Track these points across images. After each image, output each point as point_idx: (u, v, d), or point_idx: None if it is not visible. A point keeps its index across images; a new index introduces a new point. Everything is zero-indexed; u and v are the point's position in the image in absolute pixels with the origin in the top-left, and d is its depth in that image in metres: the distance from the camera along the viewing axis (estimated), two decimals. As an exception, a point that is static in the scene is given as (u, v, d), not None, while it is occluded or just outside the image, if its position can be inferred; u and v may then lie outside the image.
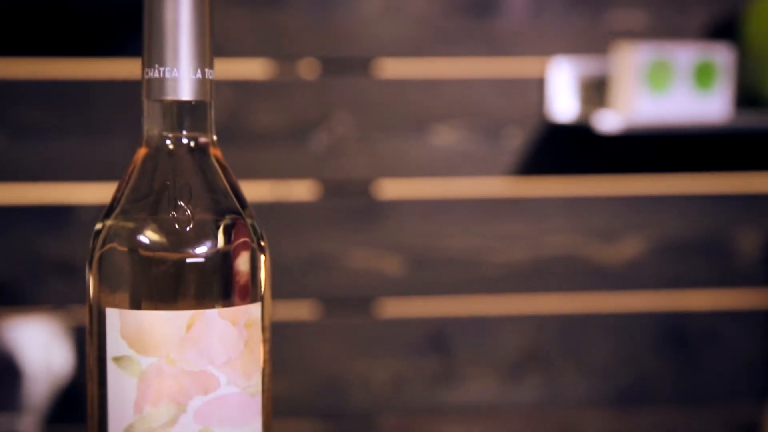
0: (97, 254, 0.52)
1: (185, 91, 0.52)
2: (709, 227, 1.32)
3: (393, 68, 1.29)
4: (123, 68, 1.24)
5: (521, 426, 1.32)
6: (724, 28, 1.31)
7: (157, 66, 0.51)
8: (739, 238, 1.32)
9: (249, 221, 0.53)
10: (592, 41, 1.30)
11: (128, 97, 1.21)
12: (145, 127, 0.53)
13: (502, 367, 1.32)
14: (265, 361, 0.54)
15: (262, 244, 0.53)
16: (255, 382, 0.53)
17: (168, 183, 0.51)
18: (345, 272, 1.29)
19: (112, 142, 1.24)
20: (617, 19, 1.31)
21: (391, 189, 1.30)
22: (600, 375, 1.33)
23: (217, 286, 0.51)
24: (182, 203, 0.51)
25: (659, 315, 1.33)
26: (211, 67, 0.52)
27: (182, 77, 0.51)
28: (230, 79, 1.26)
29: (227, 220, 0.52)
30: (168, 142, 0.52)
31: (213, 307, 0.51)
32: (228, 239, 0.52)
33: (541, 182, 1.31)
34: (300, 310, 1.29)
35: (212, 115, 0.53)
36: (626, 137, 1.29)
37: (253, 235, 0.53)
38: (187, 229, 0.50)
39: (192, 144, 0.53)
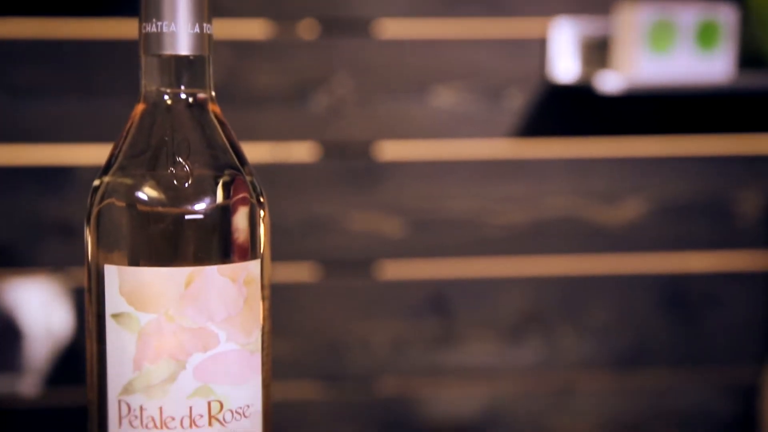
0: (95, 210, 0.52)
1: (183, 46, 0.51)
2: (710, 189, 1.32)
3: (393, 29, 1.28)
4: (123, 28, 1.23)
5: (521, 387, 1.32)
6: (727, -11, 1.30)
7: (154, 20, 0.51)
8: (740, 199, 1.32)
9: (248, 178, 0.53)
10: (594, 1, 1.29)
11: (128, 57, 1.20)
12: (143, 82, 0.52)
13: (502, 329, 1.32)
14: (264, 319, 0.53)
15: (262, 200, 0.53)
16: (254, 339, 0.52)
17: (166, 139, 0.51)
18: (345, 234, 1.29)
19: (112, 103, 1.23)
20: (619, -21, 1.30)
21: (392, 151, 1.29)
22: (600, 336, 1.33)
23: (216, 242, 0.51)
24: (181, 159, 0.50)
25: (659, 277, 1.33)
26: (209, 21, 0.52)
27: (180, 31, 0.51)
28: (229, 39, 1.25)
29: (226, 175, 0.52)
30: (166, 97, 0.52)
31: (212, 263, 0.50)
32: (227, 195, 0.51)
33: (542, 144, 1.31)
34: (300, 272, 1.29)
35: (210, 70, 0.52)
36: (628, 98, 1.29)
37: (252, 191, 0.53)
38: (186, 185, 0.50)
39: (190, 100, 0.52)
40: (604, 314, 1.33)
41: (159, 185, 0.50)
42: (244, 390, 0.52)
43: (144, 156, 0.51)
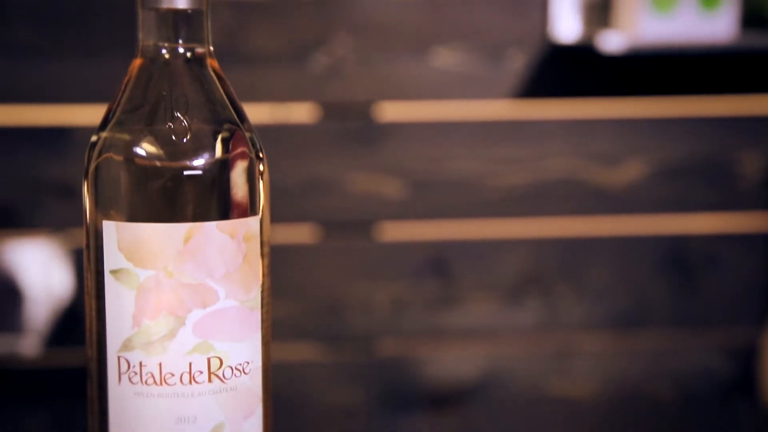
0: (92, 165, 0.51)
1: (181, -1, 0.51)
2: (712, 150, 1.31)
3: (393, -12, 1.27)
4: (119, -12, 1.22)
5: (520, 348, 1.32)
6: (730, -52, 1.29)
7: (152, -27, 0.50)
8: (742, 160, 1.32)
9: (248, 135, 0.52)
10: (596, -39, 1.28)
11: (128, 16, 1.19)
12: (141, 37, 0.52)
13: (502, 290, 1.32)
14: (264, 276, 0.53)
15: (261, 155, 0.53)
16: (254, 296, 0.52)
17: (164, 94, 0.50)
18: (345, 195, 1.29)
19: (112, 63, 1.22)
20: (622, -62, 1.28)
21: (392, 112, 1.29)
22: (599, 298, 1.33)
23: (215, 197, 0.51)
24: (179, 114, 0.50)
25: (660, 238, 1.33)
26: (207, -25, 0.51)
27: (178, -16, 0.50)
28: (228, -1, 1.24)
29: (225, 130, 0.51)
30: (164, 51, 0.51)
31: (211, 219, 0.50)
32: (226, 150, 0.51)
33: (542, 105, 1.30)
34: (300, 234, 1.29)
35: (209, 25, 0.52)
36: (630, 58, 1.28)
37: (251, 147, 0.52)
38: (184, 140, 0.50)
39: (188, 54, 0.52)
40: (604, 276, 1.33)
41: (157, 140, 0.50)
42: (244, 347, 0.52)
43: (142, 111, 0.51)
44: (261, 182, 0.53)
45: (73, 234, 1.25)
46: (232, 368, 0.52)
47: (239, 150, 0.51)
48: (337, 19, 1.26)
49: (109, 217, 0.50)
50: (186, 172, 0.50)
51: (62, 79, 1.23)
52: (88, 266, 0.52)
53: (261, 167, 0.53)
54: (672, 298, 1.34)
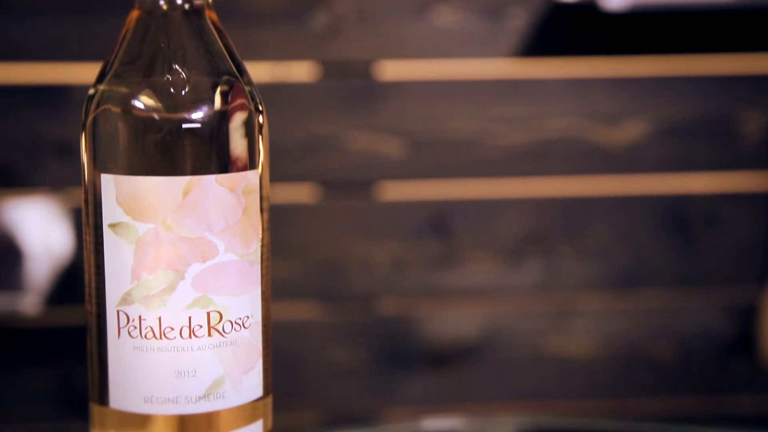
0: (90, 118, 0.51)
1: (179, -50, 0.50)
2: (714, 109, 1.31)
3: (394, -55, 1.26)
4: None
5: (520, 308, 1.33)
6: None
7: (149, -77, 0.50)
8: (745, 119, 1.31)
9: (247, 88, 0.52)
10: None
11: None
12: (138, -11, 0.51)
13: (503, 250, 1.32)
14: (264, 230, 0.53)
15: (260, 108, 0.52)
16: (254, 250, 0.52)
17: (162, 46, 0.50)
18: (345, 155, 1.28)
19: (111, 20, 1.21)
20: None
21: (392, 70, 1.28)
22: (600, 257, 1.33)
23: (214, 150, 0.50)
24: (177, 66, 0.49)
25: (661, 198, 1.33)
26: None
27: (175, -65, 0.50)
28: (227, -44, 1.23)
29: (224, 83, 0.51)
30: (162, 3, 0.51)
31: (210, 172, 0.50)
32: (225, 102, 0.50)
33: (544, 63, 1.29)
34: (299, 193, 1.29)
35: (207, -24, 0.51)
36: (632, 16, 1.27)
37: (250, 99, 0.52)
38: (183, 92, 0.49)
39: (186, 6, 0.51)
40: (604, 235, 1.33)
41: (155, 92, 0.50)
42: (244, 301, 0.52)
43: (139, 63, 0.50)
44: (260, 136, 0.52)
45: (72, 193, 1.24)
46: (231, 322, 0.51)
47: (238, 102, 0.51)
48: (337, -23, 1.25)
49: (107, 171, 0.50)
50: (184, 125, 0.49)
51: (61, 36, 1.22)
52: (87, 220, 0.52)
53: (260, 120, 0.52)
54: (672, 258, 1.34)
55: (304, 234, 1.30)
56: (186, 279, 0.50)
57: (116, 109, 0.50)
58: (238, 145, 0.51)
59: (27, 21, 1.21)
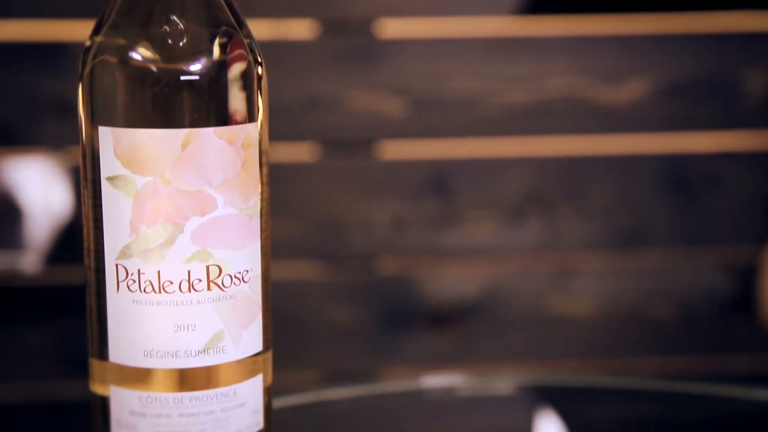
0: (87, 70, 0.50)
1: None
2: (716, 68, 1.30)
3: None
4: None
5: (520, 267, 1.32)
6: None
7: None
8: (747, 78, 1.30)
9: (246, 40, 0.51)
10: None
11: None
12: (136, -62, 0.50)
13: (503, 209, 1.31)
14: (263, 184, 0.53)
15: (260, 60, 0.52)
16: (253, 204, 0.52)
17: (160, -4, 0.49)
18: (345, 113, 1.28)
19: (106, -22, 1.20)
20: None
21: (392, 28, 1.27)
22: (600, 217, 1.33)
23: (213, 102, 0.50)
24: (175, 17, 0.49)
25: (662, 157, 1.32)
26: None
27: None
28: None
29: (222, 34, 0.50)
30: (159, -47, 0.50)
31: (209, 125, 0.49)
32: (223, 52, 0.50)
33: (545, 21, 1.28)
34: (299, 152, 1.28)
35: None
36: (634, -26, 1.26)
37: (249, 51, 0.51)
38: (181, 43, 0.49)
39: (184, -44, 0.50)
40: (605, 195, 1.32)
41: (153, 44, 0.49)
42: (243, 255, 0.52)
43: (137, 14, 0.50)
44: (260, 88, 0.52)
45: (71, 151, 1.24)
46: (231, 276, 0.51)
47: (237, 53, 0.50)
48: (337, -67, 1.24)
49: (105, 123, 0.50)
50: (182, 77, 0.49)
51: (58, -6, 1.21)
52: (84, 174, 0.52)
53: (260, 71, 0.52)
54: (673, 217, 1.33)
55: (303, 193, 1.29)
56: (185, 233, 0.50)
57: (113, 60, 0.49)
58: (236, 97, 0.50)
59: (24, -23, 1.20)
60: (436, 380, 1.01)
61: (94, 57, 0.50)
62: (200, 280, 0.50)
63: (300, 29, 1.26)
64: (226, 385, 0.52)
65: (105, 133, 0.50)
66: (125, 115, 0.49)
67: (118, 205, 0.50)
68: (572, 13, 1.29)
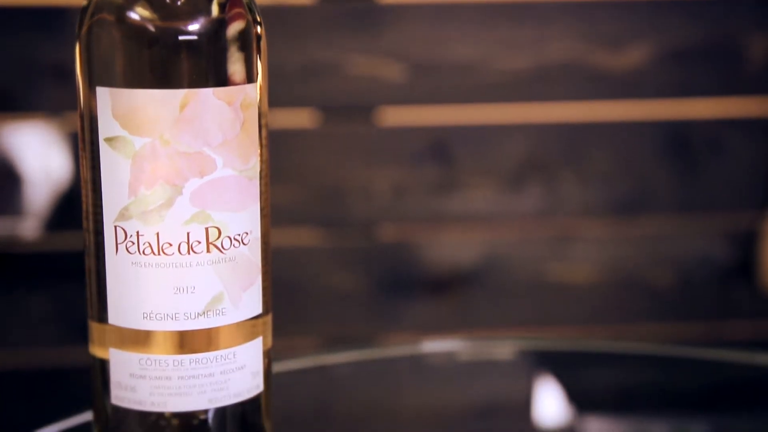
0: (84, 29, 0.50)
1: None
2: (718, 33, 1.29)
3: None
4: None
5: (521, 234, 1.32)
6: None
7: None
8: (749, 44, 1.30)
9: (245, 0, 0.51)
10: None
11: None
12: None
13: (503, 176, 1.31)
14: (262, 146, 0.52)
15: (259, 19, 0.51)
16: (252, 166, 0.51)
17: (157, -45, 0.49)
18: (345, 79, 1.27)
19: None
20: None
21: (392, -7, 1.26)
22: (601, 183, 1.32)
23: (212, 63, 0.49)
24: (173, -24, 0.48)
25: (663, 123, 1.32)
26: None
27: None
28: None
29: (221, -7, 0.50)
30: None
31: (208, 85, 0.49)
32: (222, 10, 0.49)
33: (546, -14, 1.28)
34: (299, 118, 1.28)
35: None
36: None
37: (248, 10, 0.51)
38: (179, 2, 0.48)
39: None
40: (605, 161, 1.32)
41: (150, 2, 0.48)
42: (243, 217, 0.51)
43: (134, -27, 0.49)
44: (259, 49, 0.51)
45: (70, 117, 1.23)
46: (230, 238, 0.51)
47: (235, 11, 0.50)
48: None
49: (102, 83, 0.49)
50: (180, 36, 0.48)
51: (55, -42, 1.20)
52: (82, 136, 0.51)
53: (259, 31, 0.51)
54: (674, 184, 1.33)
55: (303, 159, 1.29)
56: (184, 194, 0.50)
57: (111, 18, 0.49)
58: (235, 57, 0.50)
59: (21, -59, 1.19)
60: (436, 345, 1.01)
61: (92, 16, 0.49)
62: (199, 242, 0.50)
63: (299, -6, 1.25)
64: (225, 347, 0.52)
65: (103, 94, 0.49)
66: (123, 76, 0.49)
67: (117, 167, 0.50)
68: (574, -23, 1.28)
